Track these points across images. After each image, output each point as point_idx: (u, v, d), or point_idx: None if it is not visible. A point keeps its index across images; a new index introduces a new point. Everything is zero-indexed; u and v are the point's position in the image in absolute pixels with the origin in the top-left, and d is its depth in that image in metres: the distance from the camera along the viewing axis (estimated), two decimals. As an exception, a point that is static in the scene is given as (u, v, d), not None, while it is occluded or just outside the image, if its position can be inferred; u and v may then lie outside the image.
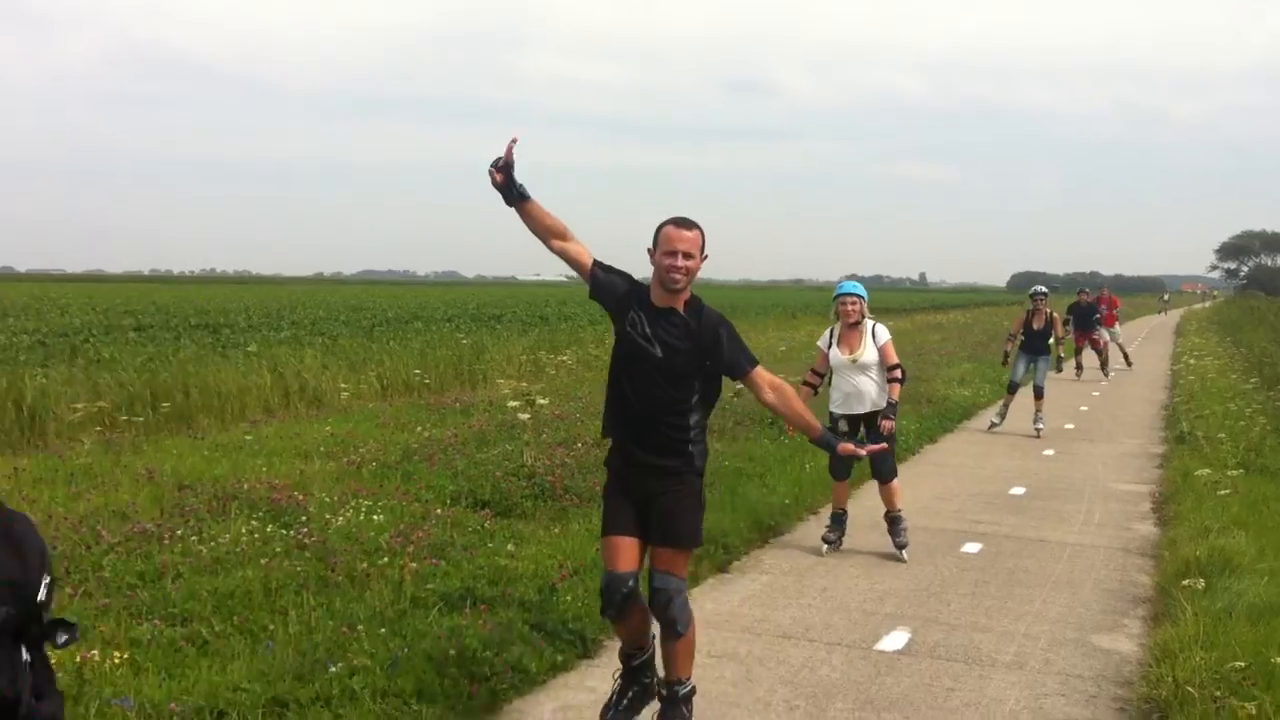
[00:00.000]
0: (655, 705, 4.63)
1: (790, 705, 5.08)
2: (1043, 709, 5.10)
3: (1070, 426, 15.35)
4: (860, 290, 7.97)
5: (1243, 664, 5.07)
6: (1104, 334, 23.65)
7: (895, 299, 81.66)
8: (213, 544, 6.54)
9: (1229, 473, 10.01)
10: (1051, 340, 14.85)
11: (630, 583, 4.41)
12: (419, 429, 11.66)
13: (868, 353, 7.84)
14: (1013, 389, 14.76)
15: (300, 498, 7.74)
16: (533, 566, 6.58)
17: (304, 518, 7.25)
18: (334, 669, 4.79)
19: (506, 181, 4.37)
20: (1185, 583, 6.52)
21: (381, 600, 5.80)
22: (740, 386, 4.64)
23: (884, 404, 7.84)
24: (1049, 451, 13.04)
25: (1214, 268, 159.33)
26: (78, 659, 4.55)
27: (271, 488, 7.96)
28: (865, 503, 9.70)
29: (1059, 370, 16.12)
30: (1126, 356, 25.41)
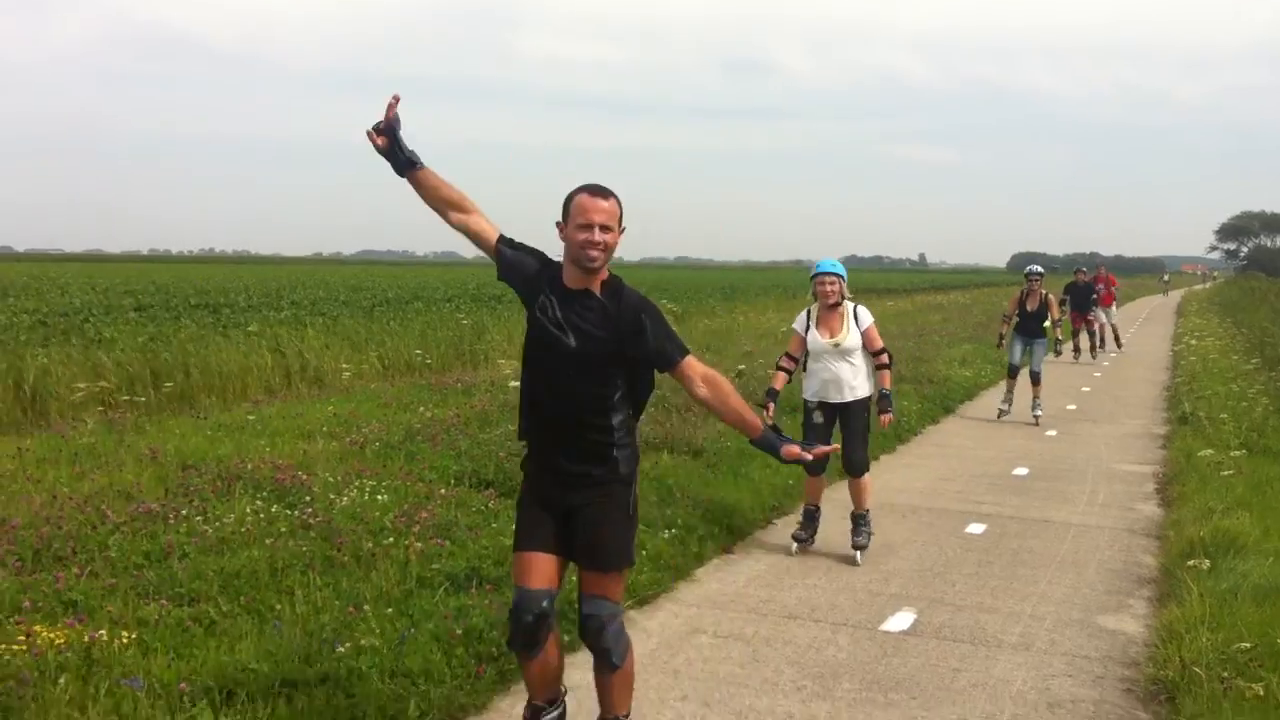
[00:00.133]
0: None
1: (797, 685, 5.08)
2: (1050, 690, 5.11)
3: (1072, 407, 15.35)
4: (839, 269, 7.42)
5: (1249, 645, 5.08)
6: (1100, 314, 23.31)
7: (895, 279, 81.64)
8: (218, 524, 6.54)
9: (1232, 453, 10.02)
10: (1048, 323, 14.36)
11: (545, 603, 3.83)
12: (421, 409, 11.64)
13: (850, 337, 7.33)
14: (1013, 372, 14.20)
15: (304, 478, 7.73)
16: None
17: (308, 498, 7.25)
18: (341, 649, 4.79)
19: (391, 146, 3.85)
20: (1190, 563, 6.53)
21: (387, 580, 5.80)
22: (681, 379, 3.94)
23: (863, 393, 7.41)
24: (1052, 432, 13.04)
25: (1214, 248, 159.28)
26: (86, 639, 4.55)
27: (275, 468, 7.96)
28: (872, 482, 9.72)
29: (1057, 354, 15.34)
30: (1118, 338, 25.06)
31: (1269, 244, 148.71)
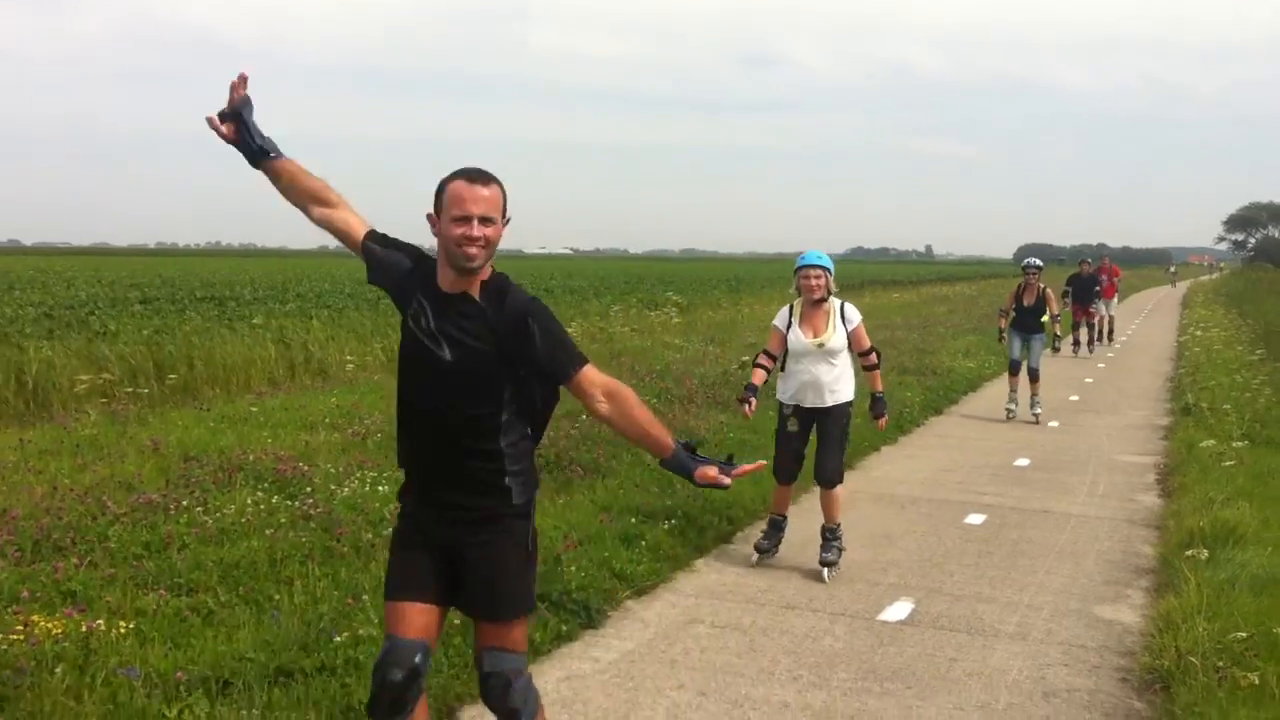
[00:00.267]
0: None
1: (793, 675, 5.09)
2: (1045, 679, 5.11)
3: (1075, 398, 15.34)
4: (826, 261, 6.82)
5: (1245, 634, 5.08)
6: (1101, 306, 22.60)
7: (902, 271, 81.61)
8: (218, 515, 6.57)
9: (1234, 444, 10.01)
10: (1046, 318, 13.70)
11: (418, 657, 3.25)
12: (424, 401, 11.63)
13: (835, 337, 6.75)
14: (1014, 369, 13.69)
15: (305, 469, 7.76)
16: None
17: (309, 489, 7.28)
18: (338, 639, 4.81)
19: (239, 133, 3.39)
20: (1189, 553, 6.54)
21: (385, 570, 5.81)
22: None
23: (845, 397, 6.81)
24: (1054, 423, 13.03)
25: (1221, 239, 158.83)
26: (84, 629, 4.57)
27: (277, 459, 7.99)
28: (873, 473, 9.74)
29: (1055, 350, 14.63)
30: (1111, 332, 24.18)
31: (1277, 235, 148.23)
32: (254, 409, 10.92)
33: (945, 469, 10.12)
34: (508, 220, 3.27)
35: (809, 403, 6.80)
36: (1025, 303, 13.67)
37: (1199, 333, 24.78)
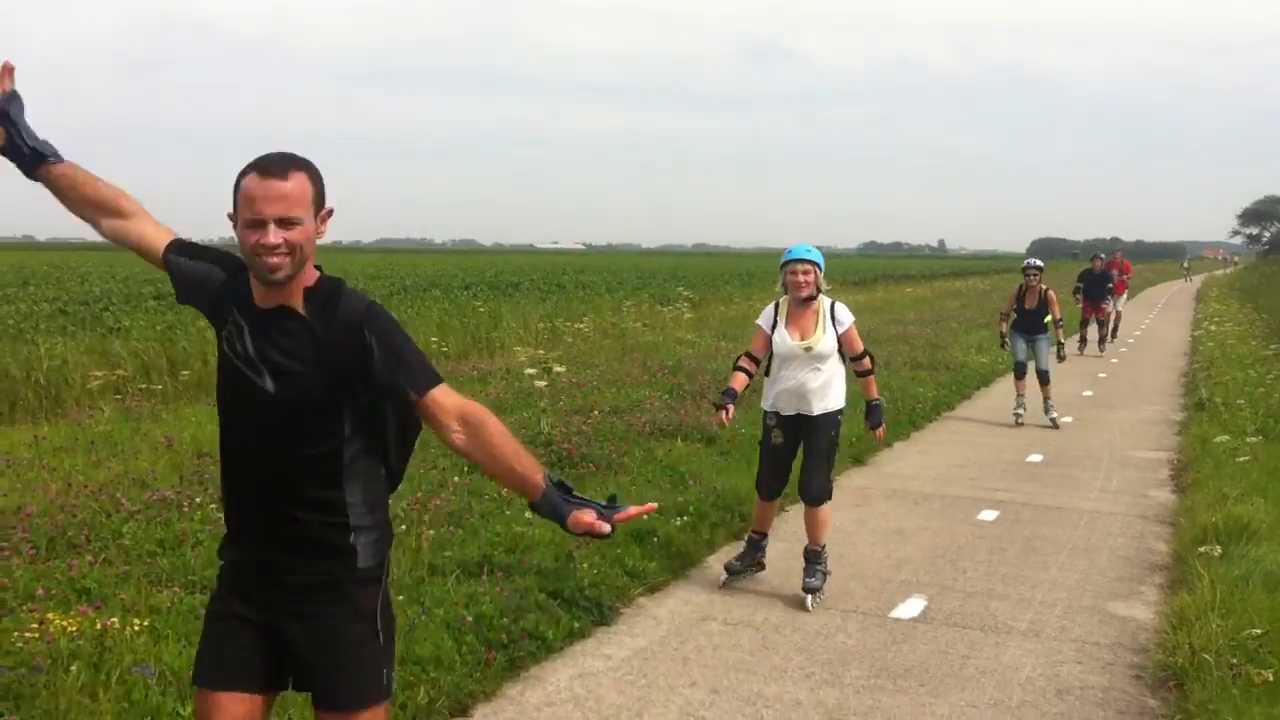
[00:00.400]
0: None
1: (806, 672, 5.09)
2: (1059, 676, 5.11)
3: (1089, 394, 15.30)
4: (816, 256, 6.16)
5: (1260, 631, 5.07)
6: (1109, 303, 21.65)
7: (914, 265, 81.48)
8: (232, 512, 6.58)
9: (1248, 439, 9.98)
10: (1048, 319, 12.81)
11: None
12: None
13: (825, 340, 6.14)
14: (1020, 371, 12.84)
15: (318, 465, 7.77)
16: (549, 534, 6.59)
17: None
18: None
19: (8, 138, 2.81)
20: (1202, 550, 6.51)
21: (399, 567, 5.82)
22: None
23: (834, 405, 6.22)
24: (1067, 419, 12.97)
25: (1236, 233, 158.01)
26: (98, 626, 4.59)
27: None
28: (885, 469, 9.73)
29: (1061, 358, 13.33)
30: (1116, 330, 22.97)
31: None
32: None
33: (957, 465, 10.11)
34: (328, 213, 2.68)
35: (792, 410, 6.23)
36: (1026, 305, 12.92)
37: (1213, 327, 24.69)
